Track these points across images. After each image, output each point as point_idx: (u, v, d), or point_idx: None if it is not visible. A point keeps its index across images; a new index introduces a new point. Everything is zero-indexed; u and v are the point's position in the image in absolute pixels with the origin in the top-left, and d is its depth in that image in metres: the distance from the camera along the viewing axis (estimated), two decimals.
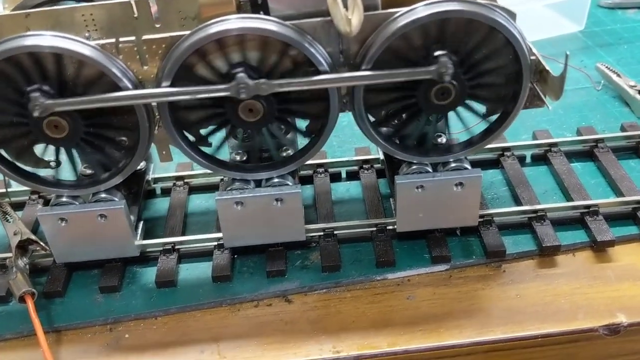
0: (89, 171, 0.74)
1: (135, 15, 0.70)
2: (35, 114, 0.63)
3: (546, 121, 0.96)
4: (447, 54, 0.63)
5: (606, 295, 0.71)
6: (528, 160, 0.89)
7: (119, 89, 0.64)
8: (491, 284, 0.73)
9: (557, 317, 0.69)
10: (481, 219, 0.77)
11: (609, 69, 1.04)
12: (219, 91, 0.64)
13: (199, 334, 0.70)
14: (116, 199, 0.72)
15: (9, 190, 0.85)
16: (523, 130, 0.93)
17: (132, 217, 0.75)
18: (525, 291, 0.72)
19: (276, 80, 0.63)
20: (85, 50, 0.63)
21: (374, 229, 0.78)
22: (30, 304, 0.69)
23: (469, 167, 0.72)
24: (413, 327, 0.69)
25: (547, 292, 0.72)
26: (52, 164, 0.71)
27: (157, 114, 0.68)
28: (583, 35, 1.19)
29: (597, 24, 1.23)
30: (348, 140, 0.96)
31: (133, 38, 0.64)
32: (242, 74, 0.62)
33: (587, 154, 0.89)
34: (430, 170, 0.72)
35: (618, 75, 1.03)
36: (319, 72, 0.64)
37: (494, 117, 0.71)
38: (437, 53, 0.63)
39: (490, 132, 0.70)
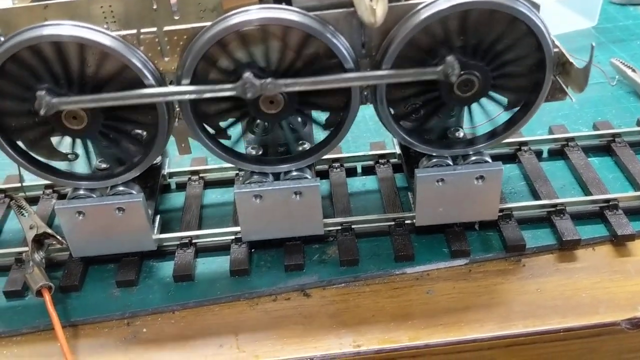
0: (104, 165, 0.74)
1: (155, 7, 0.70)
2: (42, 112, 0.62)
3: (562, 116, 0.96)
4: (454, 54, 0.63)
5: (627, 290, 0.70)
6: (545, 155, 0.89)
7: (140, 80, 0.63)
8: (511, 278, 0.73)
9: (578, 311, 0.68)
10: (500, 213, 0.76)
11: (623, 64, 1.04)
12: (225, 90, 0.63)
13: (217, 328, 0.70)
14: (134, 192, 0.72)
15: (23, 184, 0.84)
16: (539, 125, 0.93)
17: (149, 211, 0.74)
18: (545, 285, 0.71)
19: (282, 80, 0.63)
20: (107, 41, 0.63)
21: (392, 223, 0.78)
22: (47, 297, 0.69)
23: (490, 160, 0.72)
24: (433, 321, 0.68)
25: (568, 286, 0.71)
26: (71, 156, 0.70)
27: (177, 106, 0.68)
28: (596, 31, 1.19)
29: (609, 20, 1.22)
30: (363, 135, 0.96)
31: (154, 29, 0.63)
32: (248, 73, 0.62)
33: (604, 148, 0.88)
34: (451, 163, 0.72)
35: (633, 71, 1.02)
36: (342, 65, 0.64)
37: (515, 109, 0.70)
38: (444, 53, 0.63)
39: (512, 124, 0.70)
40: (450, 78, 0.63)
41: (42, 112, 0.62)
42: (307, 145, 0.74)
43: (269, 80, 0.62)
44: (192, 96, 0.64)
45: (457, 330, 0.68)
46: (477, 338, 0.67)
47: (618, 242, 0.75)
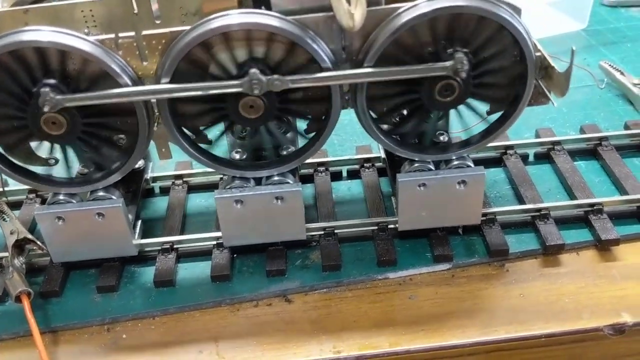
0: (86, 170, 0.74)
1: (136, 11, 0.69)
2: (45, 109, 0.62)
3: (549, 119, 0.95)
4: (462, 50, 0.62)
5: (611, 295, 0.70)
6: (531, 158, 0.88)
7: (118, 85, 0.63)
8: (494, 283, 0.72)
9: (561, 317, 0.68)
10: (484, 218, 0.76)
11: (612, 67, 1.03)
12: (232, 87, 0.63)
13: (198, 334, 0.69)
14: (114, 197, 0.71)
15: (6, 189, 0.84)
16: (526, 128, 0.92)
17: (130, 216, 0.74)
18: (529, 290, 0.71)
19: (289, 77, 0.62)
20: (84, 46, 0.62)
21: (375, 227, 0.77)
22: (26, 303, 0.68)
23: (472, 165, 0.71)
24: (415, 327, 0.68)
25: (551, 291, 0.71)
26: (51, 161, 0.70)
27: (156, 111, 0.67)
28: (586, 34, 1.18)
29: (600, 22, 1.22)
30: (349, 138, 0.95)
31: (133, 33, 0.63)
32: (254, 70, 0.61)
33: (591, 152, 0.88)
34: (433, 168, 0.71)
35: (622, 74, 1.02)
36: (321, 69, 0.63)
37: (497, 115, 0.70)
38: (451, 50, 0.63)
39: (494, 129, 0.69)
40: (460, 74, 0.62)
41: (45, 108, 0.62)
42: (292, 149, 0.74)
43: (275, 76, 0.62)
44: (199, 92, 0.64)
45: (438, 336, 0.67)
46: (458, 344, 0.66)
47: (602, 246, 0.75)
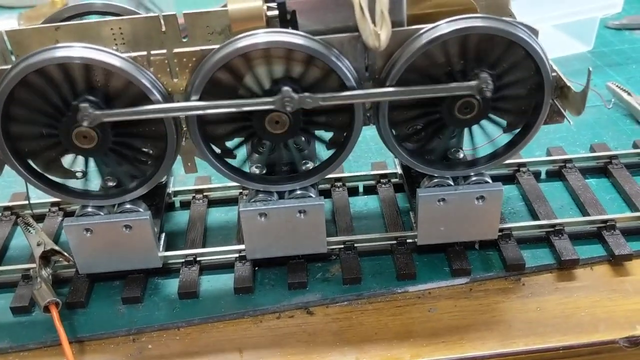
0: (110, 183, 0.75)
1: (163, 30, 0.72)
2: (84, 124, 0.64)
3: (559, 138, 0.98)
4: (485, 70, 0.64)
5: (625, 308, 0.72)
6: (543, 176, 0.91)
7: (149, 100, 0.65)
8: (511, 297, 0.74)
9: (578, 330, 0.69)
10: (500, 233, 0.78)
11: (619, 87, 1.06)
12: (265, 104, 0.65)
13: (222, 344, 0.71)
14: (141, 210, 0.73)
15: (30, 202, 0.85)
16: (537, 147, 0.95)
17: (155, 229, 0.75)
18: (545, 304, 0.73)
19: (320, 95, 0.65)
20: (116, 62, 0.64)
21: (394, 242, 0.79)
22: (55, 313, 0.70)
23: (490, 181, 0.73)
24: (436, 339, 0.70)
25: (567, 304, 0.72)
26: (79, 174, 0.72)
27: (184, 126, 0.69)
28: (592, 55, 1.21)
29: (605, 44, 1.25)
30: (364, 155, 0.97)
31: (164, 51, 0.65)
32: (287, 88, 0.64)
33: (601, 170, 0.90)
34: (452, 183, 0.73)
35: (628, 94, 1.04)
36: (345, 87, 0.65)
37: (514, 131, 0.72)
38: (475, 70, 0.65)
39: (512, 146, 0.71)
40: (484, 93, 0.65)
41: (85, 123, 0.64)
42: (310, 165, 0.76)
43: (307, 94, 0.64)
44: (232, 109, 0.66)
45: (458, 348, 0.69)
46: (478, 355, 0.68)
47: (616, 261, 0.76)
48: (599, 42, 1.24)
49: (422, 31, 0.65)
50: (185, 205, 0.89)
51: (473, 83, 0.64)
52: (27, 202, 0.84)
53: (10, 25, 0.74)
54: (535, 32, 0.66)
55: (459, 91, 0.65)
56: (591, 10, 1.16)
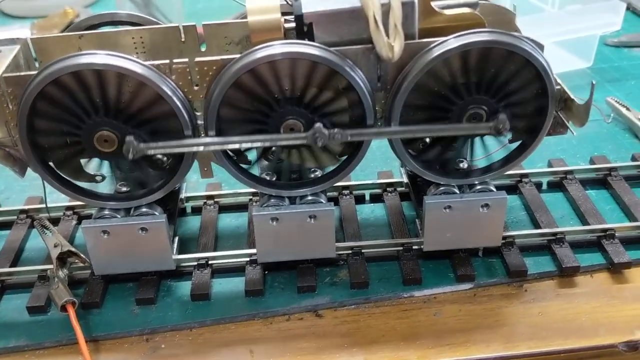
0: (124, 188, 0.77)
1: (183, 39, 0.74)
2: (130, 156, 0.66)
3: (560, 151, 1.01)
4: (505, 112, 0.69)
5: (625, 314, 0.74)
6: (544, 187, 0.93)
7: (169, 107, 0.67)
8: (514, 302, 0.76)
9: (579, 334, 0.72)
10: (503, 241, 0.80)
11: (618, 102, 1.09)
12: (299, 139, 0.68)
13: (233, 344, 0.73)
14: (157, 213, 0.75)
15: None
16: (539, 158, 0.97)
17: (170, 232, 0.77)
18: (547, 309, 0.75)
19: (349, 130, 0.68)
20: (138, 69, 0.67)
21: (401, 248, 0.81)
22: (72, 312, 0.72)
23: (494, 189, 0.76)
24: (441, 341, 0.72)
25: (569, 310, 0.75)
26: (98, 177, 0.74)
27: (202, 133, 0.72)
28: (592, 72, 1.24)
29: (604, 60, 1.28)
30: (370, 164, 1.00)
31: (186, 60, 0.68)
32: (319, 124, 0.67)
33: (601, 182, 0.93)
34: (457, 191, 0.76)
35: (627, 109, 1.07)
36: (358, 97, 0.68)
37: (518, 141, 0.75)
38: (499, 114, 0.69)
39: (519, 153, 0.74)
40: (502, 133, 0.68)
41: (130, 156, 0.66)
42: (318, 173, 0.78)
43: (336, 130, 0.67)
44: (267, 144, 0.69)
45: (464, 350, 0.71)
46: (483, 358, 0.70)
47: (615, 269, 0.79)
48: (599, 59, 1.27)
49: (433, 44, 0.68)
50: (196, 210, 0.91)
51: (491, 123, 0.67)
52: (43, 205, 0.86)
53: (24, 35, 0.76)
54: (540, 46, 0.69)
55: (474, 131, 0.69)
56: (591, 28, 1.19)
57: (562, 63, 1.24)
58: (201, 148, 0.69)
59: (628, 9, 1.48)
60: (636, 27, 1.41)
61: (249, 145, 0.69)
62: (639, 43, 1.33)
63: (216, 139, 0.68)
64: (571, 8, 1.26)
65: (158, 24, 0.77)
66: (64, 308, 0.72)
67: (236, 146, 0.69)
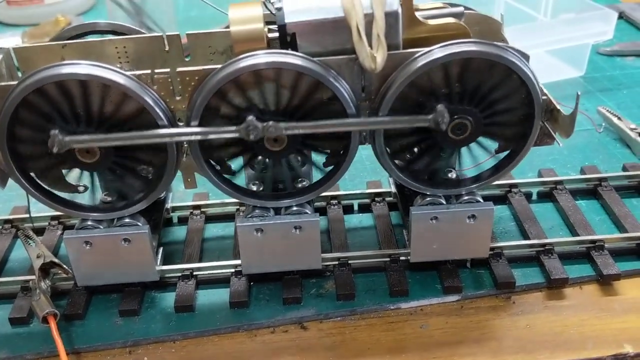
0: (109, 198, 0.77)
1: (167, 49, 0.74)
2: (55, 150, 0.65)
3: (551, 160, 1.00)
4: (444, 102, 0.67)
5: (613, 327, 0.73)
6: (534, 197, 0.93)
7: (152, 119, 0.67)
8: (502, 315, 0.75)
9: (567, 347, 0.71)
10: (491, 252, 0.79)
11: (609, 112, 1.08)
12: (231, 132, 0.67)
13: (217, 358, 0.72)
14: (140, 224, 0.74)
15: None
16: (529, 168, 0.97)
17: (153, 243, 0.77)
18: (535, 321, 0.74)
19: (283, 124, 0.66)
20: (121, 79, 0.66)
21: (388, 259, 0.80)
22: (53, 324, 0.71)
23: (481, 200, 0.75)
24: (427, 355, 0.71)
25: (557, 322, 0.74)
26: (81, 188, 0.73)
27: (185, 143, 0.71)
28: (584, 80, 1.24)
29: (597, 70, 1.28)
30: (359, 174, 0.99)
31: (168, 70, 0.67)
32: (251, 117, 0.65)
33: (591, 192, 0.92)
34: (444, 202, 0.75)
35: (619, 119, 1.07)
36: (343, 108, 0.67)
37: (505, 152, 0.74)
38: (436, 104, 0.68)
39: (507, 163, 0.73)
40: (440, 126, 0.67)
41: (54, 149, 0.65)
42: (305, 183, 0.77)
43: (270, 123, 0.66)
44: (198, 137, 0.67)
45: None
46: None
47: (604, 281, 0.78)
48: (591, 68, 1.27)
49: (417, 55, 0.67)
50: (183, 221, 0.91)
51: (430, 116, 0.67)
52: (27, 215, 0.85)
53: (14, 43, 0.75)
54: (526, 56, 0.68)
55: (414, 123, 0.68)
56: (583, 37, 1.19)
57: (554, 72, 1.24)
58: (126, 142, 0.67)
59: (621, 17, 1.48)
60: (629, 35, 1.41)
61: (183, 138, 0.68)
62: (632, 52, 1.33)
63: (146, 133, 0.67)
64: (564, 17, 1.26)
65: (142, 33, 0.76)
66: (45, 319, 0.71)
67: (167, 139, 0.67)
